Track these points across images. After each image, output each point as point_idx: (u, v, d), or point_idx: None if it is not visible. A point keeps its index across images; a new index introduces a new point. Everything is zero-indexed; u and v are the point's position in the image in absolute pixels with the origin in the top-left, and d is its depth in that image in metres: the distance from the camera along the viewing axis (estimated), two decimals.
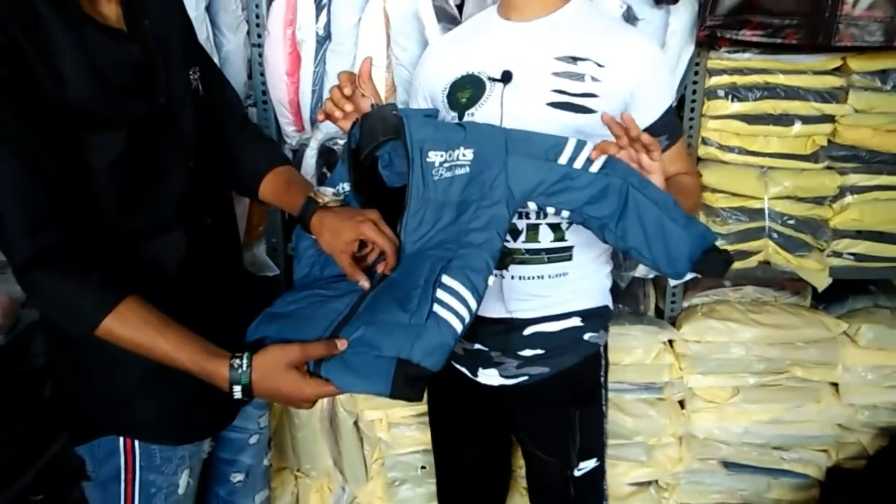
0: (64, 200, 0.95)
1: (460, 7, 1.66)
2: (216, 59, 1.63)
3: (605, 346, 1.36)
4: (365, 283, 1.04)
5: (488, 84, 1.21)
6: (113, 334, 0.95)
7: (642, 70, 1.19)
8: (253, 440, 1.35)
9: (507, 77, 1.20)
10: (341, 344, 0.96)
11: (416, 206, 1.05)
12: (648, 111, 1.20)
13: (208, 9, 1.61)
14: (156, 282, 1.05)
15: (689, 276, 1.09)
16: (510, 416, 1.39)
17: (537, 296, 1.25)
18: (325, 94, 1.64)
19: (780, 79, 1.71)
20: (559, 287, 1.25)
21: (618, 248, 1.08)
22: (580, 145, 1.05)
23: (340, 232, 1.06)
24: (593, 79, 1.17)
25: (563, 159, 1.04)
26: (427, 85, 1.32)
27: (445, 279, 0.98)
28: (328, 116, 1.16)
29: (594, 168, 1.04)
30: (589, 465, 1.35)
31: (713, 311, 1.90)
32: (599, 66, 1.17)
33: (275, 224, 1.86)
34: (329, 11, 1.62)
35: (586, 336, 1.29)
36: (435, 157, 1.06)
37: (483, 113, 1.21)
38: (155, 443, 1.13)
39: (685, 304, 1.97)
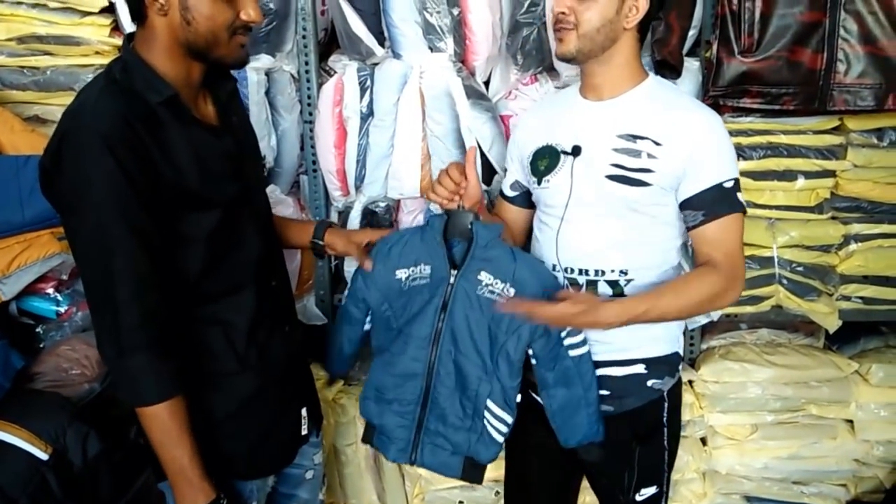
0: (164, 272, 1.11)
1: (487, 83, 1.85)
2: (274, 136, 1.84)
3: (673, 389, 1.40)
4: (368, 265, 1.39)
5: (562, 156, 1.35)
6: (157, 417, 1.10)
7: (695, 146, 1.26)
8: (308, 475, 1.47)
9: (576, 151, 1.33)
10: None
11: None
12: (692, 183, 1.26)
13: (267, 93, 1.83)
14: (227, 336, 1.21)
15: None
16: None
17: (599, 341, 1.34)
18: (368, 164, 1.86)
19: (782, 139, 1.82)
20: (619, 334, 1.29)
21: (539, 390, 1.35)
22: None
23: (350, 235, 1.47)
24: (650, 156, 1.27)
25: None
26: (518, 149, 1.48)
27: (491, 405, 1.33)
28: (431, 197, 1.38)
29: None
30: (650, 491, 1.43)
31: (730, 353, 1.99)
32: (657, 143, 1.27)
33: (322, 278, 2.02)
34: (372, 92, 1.81)
35: (650, 382, 1.36)
36: (485, 277, 1.33)
37: (556, 181, 1.35)
38: (228, 478, 1.26)
39: (703, 347, 2.06)
